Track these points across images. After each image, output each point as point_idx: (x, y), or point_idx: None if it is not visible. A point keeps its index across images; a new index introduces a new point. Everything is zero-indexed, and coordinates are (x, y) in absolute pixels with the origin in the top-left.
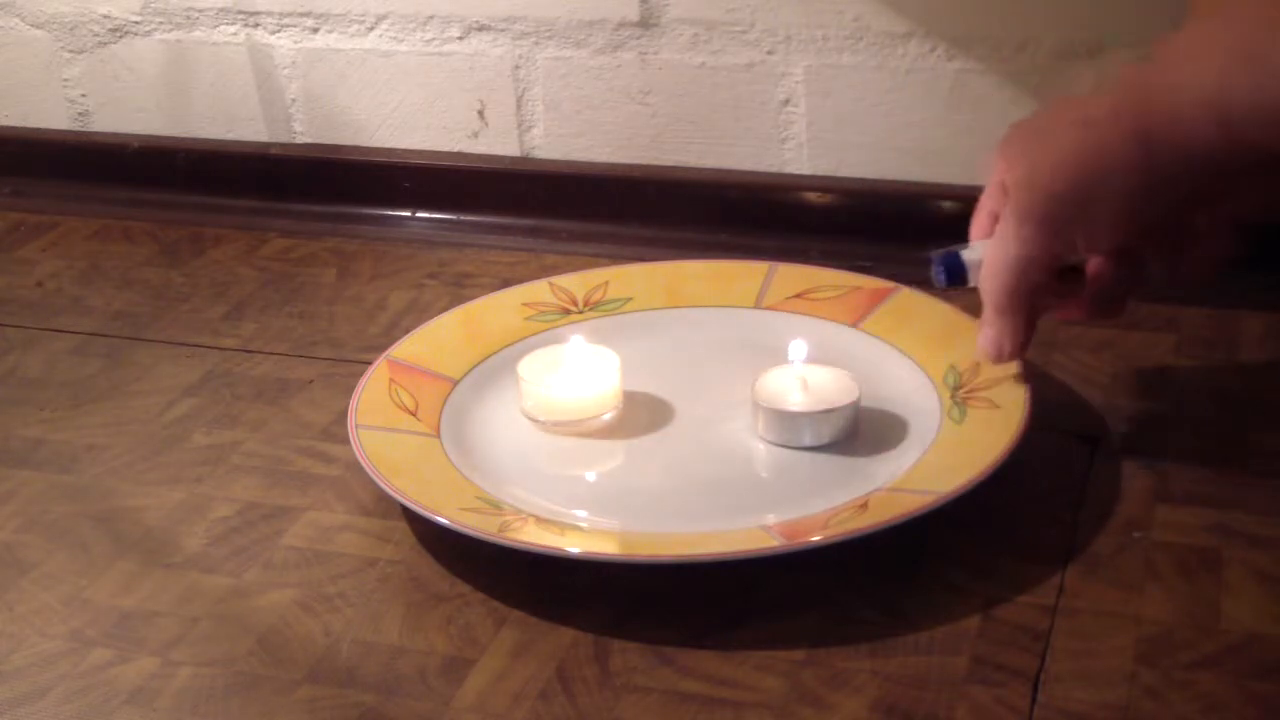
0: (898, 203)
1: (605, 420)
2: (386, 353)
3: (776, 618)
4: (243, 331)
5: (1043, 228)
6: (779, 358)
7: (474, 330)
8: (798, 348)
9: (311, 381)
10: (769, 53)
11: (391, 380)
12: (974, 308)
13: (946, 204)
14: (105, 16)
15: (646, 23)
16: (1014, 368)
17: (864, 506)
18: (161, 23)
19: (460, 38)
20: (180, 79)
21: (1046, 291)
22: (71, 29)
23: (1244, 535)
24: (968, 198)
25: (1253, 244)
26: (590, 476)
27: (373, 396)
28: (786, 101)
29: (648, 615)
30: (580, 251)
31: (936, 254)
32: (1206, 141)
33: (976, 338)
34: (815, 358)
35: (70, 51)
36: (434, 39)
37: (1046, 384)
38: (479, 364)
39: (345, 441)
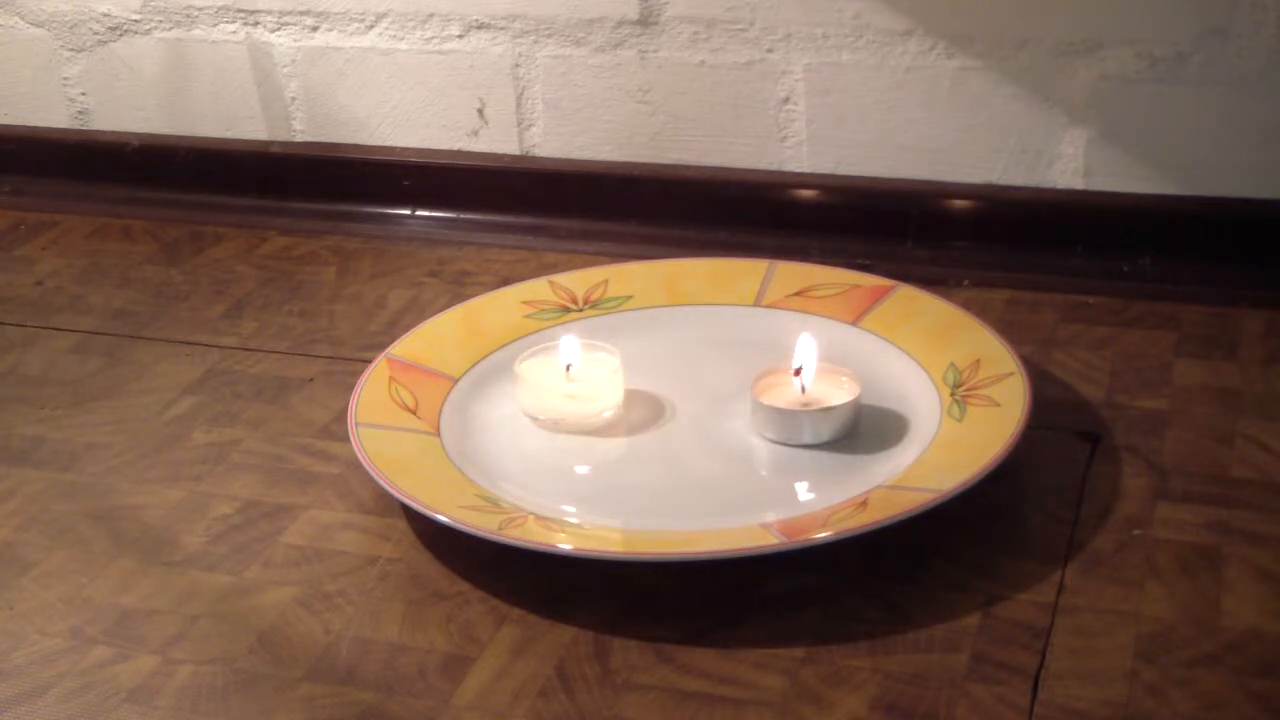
0: (897, 200)
1: (605, 418)
2: (386, 351)
3: (776, 615)
4: (242, 330)
5: None
6: (779, 356)
7: (474, 328)
8: (806, 345)
9: (311, 380)
10: (769, 51)
11: (391, 378)
12: (973, 305)
13: (947, 202)
14: (105, 15)
15: (646, 21)
16: (1014, 365)
17: (864, 504)
18: (161, 21)
19: (460, 36)
20: (180, 77)
21: None
22: (71, 27)
23: (1244, 533)
24: (968, 195)
25: (1252, 242)
26: (590, 474)
27: (373, 395)
28: (786, 99)
29: (648, 613)
30: (580, 250)
31: None
32: None
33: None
34: (815, 355)
35: (70, 50)
36: (434, 37)
37: (1047, 382)
38: (479, 362)
39: (345, 439)
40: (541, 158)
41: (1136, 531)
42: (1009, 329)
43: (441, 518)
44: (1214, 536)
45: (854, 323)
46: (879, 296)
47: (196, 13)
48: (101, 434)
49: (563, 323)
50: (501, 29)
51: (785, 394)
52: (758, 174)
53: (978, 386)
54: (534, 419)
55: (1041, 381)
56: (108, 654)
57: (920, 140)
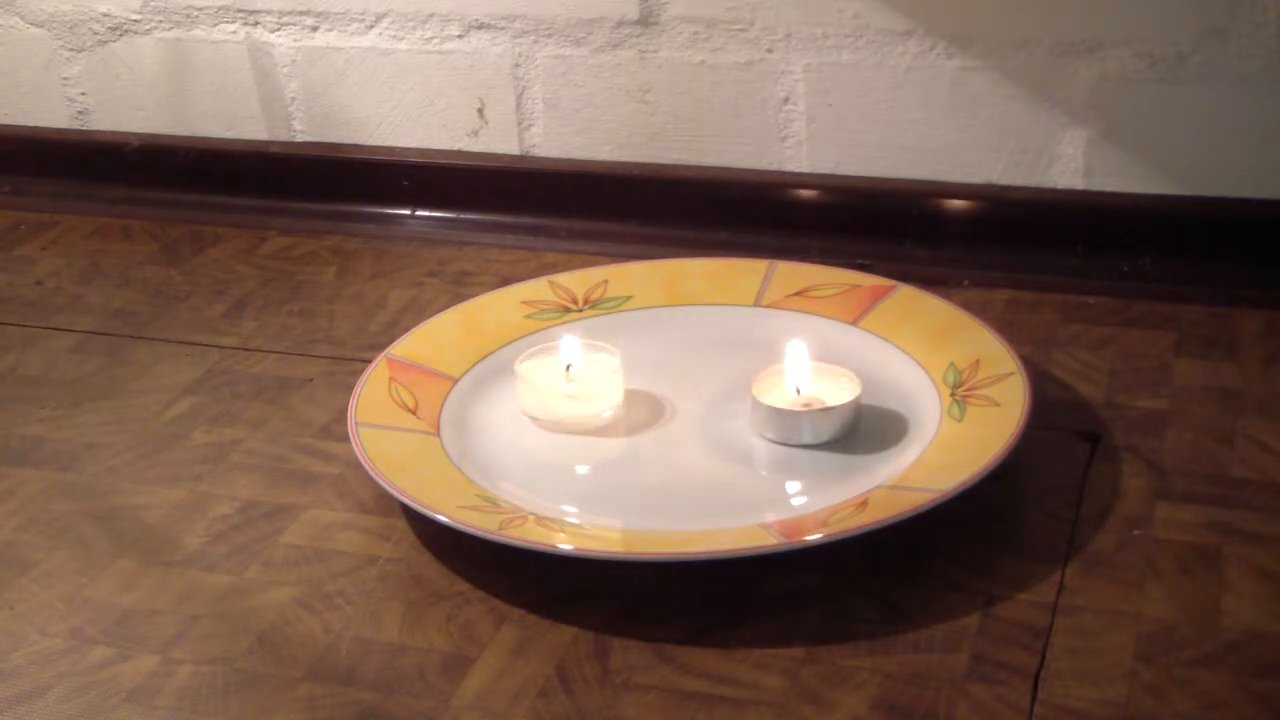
0: (897, 200)
1: (605, 418)
2: (386, 351)
3: (776, 615)
4: (242, 330)
5: None
6: (779, 356)
7: (474, 328)
8: (796, 351)
9: (311, 380)
10: (769, 51)
11: (391, 378)
12: (973, 305)
13: (946, 201)
14: (105, 15)
15: (646, 21)
16: (1014, 365)
17: (863, 504)
18: (161, 21)
19: (460, 36)
20: (180, 77)
21: None
22: (71, 27)
23: (1244, 532)
24: (968, 195)
25: (1252, 242)
26: (590, 474)
27: (373, 395)
28: (786, 99)
29: (647, 613)
30: (580, 250)
31: None
32: None
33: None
34: (815, 355)
35: (70, 50)
36: (434, 37)
37: (1046, 382)
38: (479, 362)
39: (345, 440)
40: (541, 158)
41: (1136, 531)
42: (1009, 329)
43: (441, 518)
44: (1214, 536)
45: (854, 323)
46: (879, 296)
47: (196, 13)
48: (101, 434)
49: (563, 323)
50: (501, 29)
51: (785, 394)
52: (758, 174)
53: (978, 386)
54: (534, 419)
55: (1041, 381)
56: (108, 654)
57: (920, 140)
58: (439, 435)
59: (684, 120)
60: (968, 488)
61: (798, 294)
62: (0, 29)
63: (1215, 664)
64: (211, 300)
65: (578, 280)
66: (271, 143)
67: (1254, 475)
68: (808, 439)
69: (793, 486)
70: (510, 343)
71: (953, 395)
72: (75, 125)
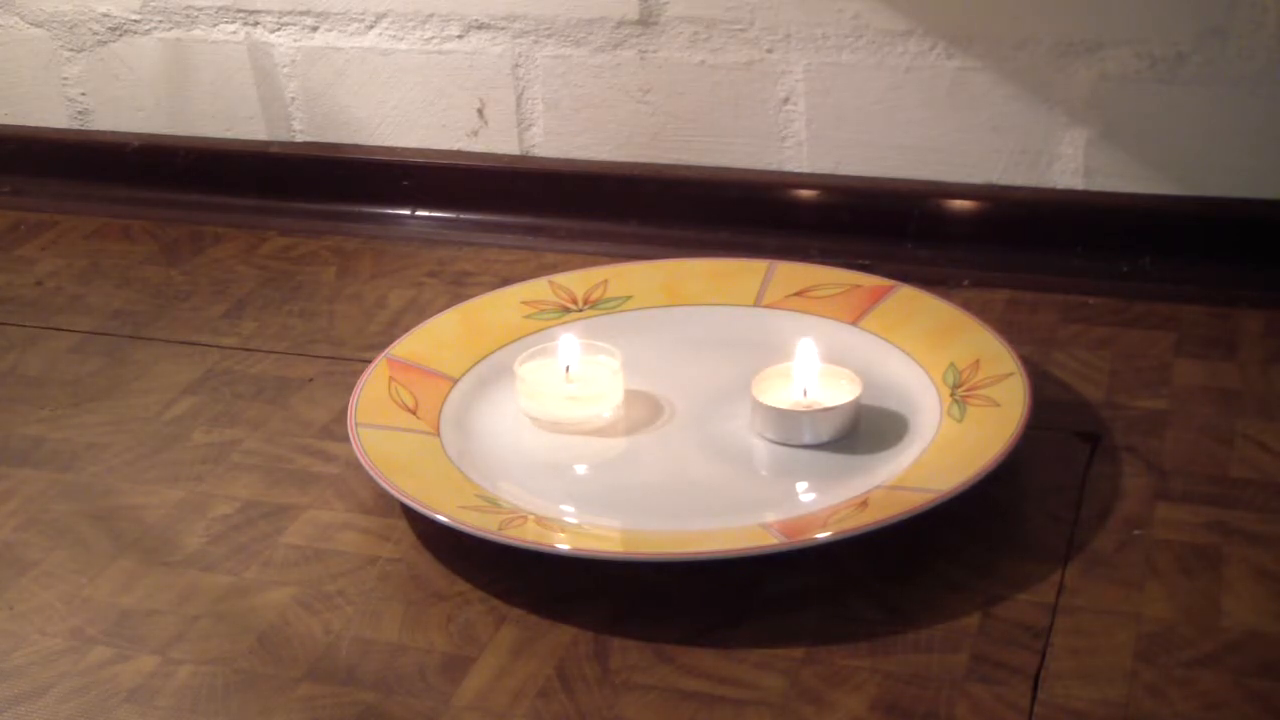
0: (897, 201)
1: (605, 418)
2: (386, 351)
3: (776, 616)
4: (242, 330)
5: None
6: (779, 356)
7: (473, 328)
8: (806, 351)
9: (311, 380)
10: (769, 51)
11: (391, 379)
12: (973, 305)
13: (947, 202)
14: (105, 15)
15: (646, 21)
16: (1014, 365)
17: (864, 504)
18: (161, 21)
19: (460, 36)
20: (180, 78)
21: None
22: (71, 27)
23: (1244, 533)
24: (968, 195)
25: (1252, 242)
26: (590, 474)
27: (372, 395)
28: (786, 100)
29: (647, 613)
30: (580, 250)
31: None
32: None
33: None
34: (815, 355)
35: (70, 50)
36: (434, 37)
37: (1046, 382)
38: (479, 362)
39: (345, 440)
40: (541, 158)
41: (1136, 531)
42: (1009, 329)
43: (441, 518)
44: (1214, 536)
45: (854, 323)
46: (879, 296)
47: (196, 13)
48: (101, 434)
49: (563, 323)
50: (501, 29)
51: (785, 394)
52: (758, 174)
53: (978, 386)
54: (534, 419)
55: (1041, 381)
56: (108, 654)
57: (920, 140)
58: (439, 435)
59: (684, 120)
60: (968, 488)
61: (798, 294)
62: (0, 29)
63: (1215, 664)
64: (211, 300)
65: (578, 280)
66: (271, 143)
67: (1254, 475)
68: (808, 439)
69: (793, 486)
70: (510, 343)
71: (953, 395)
72: (75, 125)
